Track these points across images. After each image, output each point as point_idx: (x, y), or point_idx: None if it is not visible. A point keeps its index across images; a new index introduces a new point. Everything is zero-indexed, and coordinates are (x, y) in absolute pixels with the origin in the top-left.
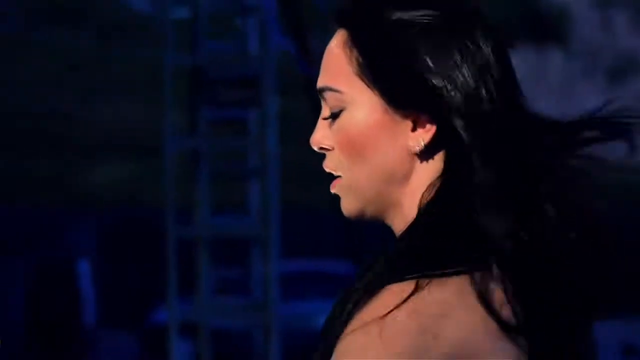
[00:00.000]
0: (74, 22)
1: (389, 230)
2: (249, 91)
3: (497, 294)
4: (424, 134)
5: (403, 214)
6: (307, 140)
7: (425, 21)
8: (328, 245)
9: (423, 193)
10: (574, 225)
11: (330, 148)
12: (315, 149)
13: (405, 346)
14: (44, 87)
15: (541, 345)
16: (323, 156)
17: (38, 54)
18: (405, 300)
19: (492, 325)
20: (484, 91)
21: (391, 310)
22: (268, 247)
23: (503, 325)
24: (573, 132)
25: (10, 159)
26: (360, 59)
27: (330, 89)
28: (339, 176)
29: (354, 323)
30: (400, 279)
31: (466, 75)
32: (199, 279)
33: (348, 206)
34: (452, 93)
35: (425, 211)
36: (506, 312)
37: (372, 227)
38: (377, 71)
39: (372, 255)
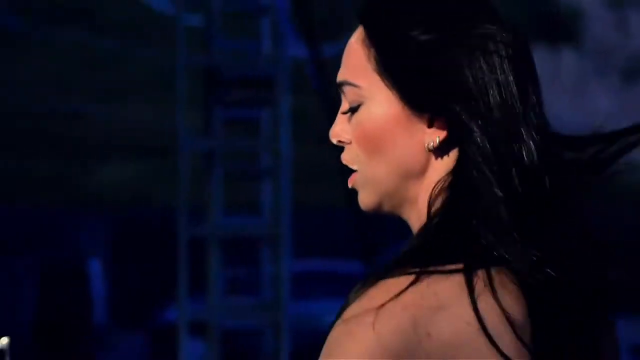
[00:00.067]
0: (85, 21)
1: (399, 230)
2: (262, 91)
3: (492, 294)
4: (440, 132)
5: (418, 210)
6: (320, 140)
7: (444, 23)
8: (339, 245)
9: (431, 192)
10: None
11: (348, 142)
12: (334, 142)
13: (396, 339)
14: (55, 87)
15: (542, 345)
16: (335, 155)
17: (49, 53)
18: (402, 292)
19: (492, 319)
20: (501, 96)
21: (387, 302)
22: (279, 246)
23: (485, 331)
24: (589, 147)
25: (21, 159)
26: (378, 57)
27: (350, 84)
28: (356, 170)
29: (348, 312)
30: (400, 273)
31: (484, 78)
32: (210, 279)
33: (365, 200)
34: (469, 95)
35: (434, 211)
36: (496, 315)
37: (382, 227)
38: (394, 70)
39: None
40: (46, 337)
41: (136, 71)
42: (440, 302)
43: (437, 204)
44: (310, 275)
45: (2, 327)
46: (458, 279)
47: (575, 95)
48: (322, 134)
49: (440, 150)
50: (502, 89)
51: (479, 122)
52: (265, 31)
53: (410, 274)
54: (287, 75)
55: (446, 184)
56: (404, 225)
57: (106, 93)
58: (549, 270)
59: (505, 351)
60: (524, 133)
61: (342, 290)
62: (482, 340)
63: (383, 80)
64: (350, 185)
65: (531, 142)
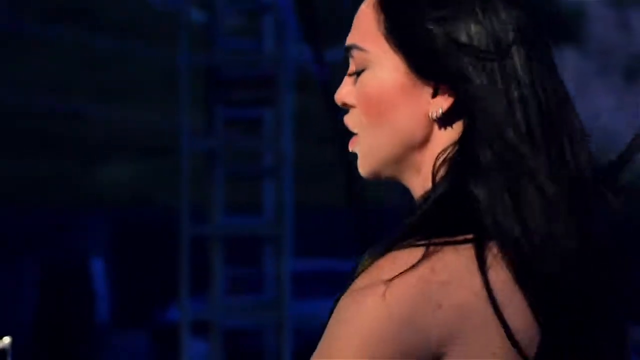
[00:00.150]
0: (86, 20)
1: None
2: (264, 91)
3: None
4: (444, 102)
5: (422, 179)
6: (322, 140)
7: (451, 3)
8: (341, 245)
9: (435, 162)
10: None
11: (353, 105)
12: (339, 104)
13: (406, 310)
14: (57, 87)
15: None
16: (337, 154)
17: (50, 53)
18: (413, 266)
19: (501, 290)
20: (510, 65)
21: (399, 274)
22: (281, 246)
23: (492, 301)
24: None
25: (23, 159)
26: (388, 22)
27: (357, 48)
28: (357, 134)
29: (357, 283)
30: (409, 244)
31: (493, 46)
32: (212, 278)
33: (364, 165)
34: (475, 65)
35: (438, 180)
36: (505, 286)
37: (384, 226)
38: (402, 36)
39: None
40: (48, 336)
41: (138, 71)
42: (451, 275)
43: (442, 173)
44: (312, 274)
45: (4, 327)
46: (468, 251)
47: (576, 95)
48: (323, 134)
49: (443, 121)
50: (512, 58)
51: (486, 91)
52: (268, 30)
53: (420, 245)
54: (289, 74)
55: (451, 154)
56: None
57: (108, 93)
58: (543, 249)
59: (512, 323)
60: (532, 103)
61: (344, 290)
62: (490, 311)
63: (390, 46)
64: (350, 149)
65: (540, 112)
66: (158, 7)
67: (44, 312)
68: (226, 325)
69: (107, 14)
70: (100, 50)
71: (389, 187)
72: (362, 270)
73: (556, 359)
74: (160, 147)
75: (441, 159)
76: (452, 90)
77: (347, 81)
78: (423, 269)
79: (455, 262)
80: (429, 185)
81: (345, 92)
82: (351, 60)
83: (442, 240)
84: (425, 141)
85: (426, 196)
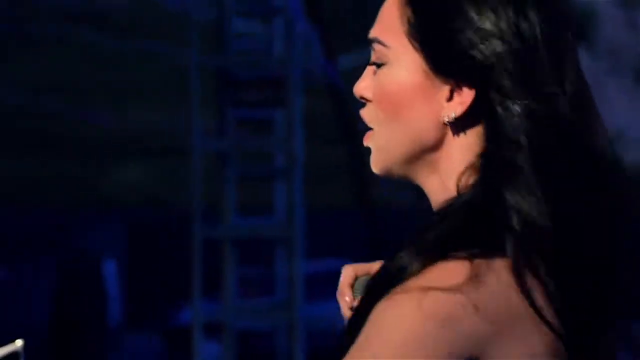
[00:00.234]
0: (99, 21)
1: (413, 230)
2: (275, 92)
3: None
4: (458, 106)
5: (439, 181)
6: (332, 141)
7: (483, 3)
8: (352, 246)
9: (464, 169)
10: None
11: (370, 99)
12: (357, 97)
13: (443, 317)
14: (69, 88)
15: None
16: (347, 156)
17: (61, 54)
18: (459, 282)
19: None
20: (531, 72)
21: (443, 287)
22: (292, 247)
23: (537, 312)
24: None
25: (36, 160)
26: (412, 19)
27: (379, 42)
28: (372, 129)
29: (399, 289)
30: (455, 257)
31: (519, 51)
32: (224, 280)
33: (377, 160)
34: (496, 69)
35: (467, 186)
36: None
37: (395, 227)
38: (425, 34)
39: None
40: (60, 338)
41: (149, 72)
42: (493, 289)
43: (467, 177)
44: (323, 275)
45: (17, 328)
46: (508, 266)
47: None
48: (334, 136)
49: (457, 126)
50: (540, 60)
51: (507, 98)
52: (278, 32)
53: (465, 258)
54: (299, 76)
55: (474, 157)
56: (416, 225)
57: (119, 94)
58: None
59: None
60: (557, 112)
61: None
62: (529, 315)
63: (412, 44)
64: (364, 144)
65: (564, 121)
66: (168, 7)
67: (56, 314)
68: (238, 327)
69: (119, 14)
70: (109, 50)
71: (399, 188)
72: (405, 275)
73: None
74: (172, 148)
75: (465, 163)
76: (468, 95)
77: (367, 73)
78: (467, 285)
79: (498, 278)
80: (450, 187)
81: (363, 86)
82: (372, 52)
83: (484, 254)
84: (439, 142)
85: (455, 201)
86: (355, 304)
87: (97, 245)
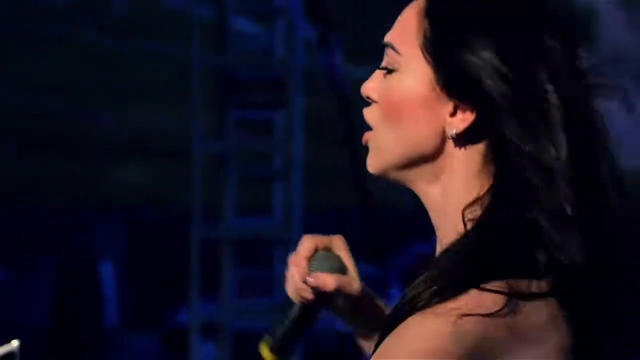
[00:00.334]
0: (96, 20)
1: (411, 232)
2: (276, 93)
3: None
4: (460, 123)
5: (442, 194)
6: (333, 142)
7: (498, 18)
8: (352, 248)
9: (470, 189)
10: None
11: (375, 101)
12: (363, 96)
13: (472, 344)
14: (69, 88)
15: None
16: (347, 158)
17: (62, 53)
18: (492, 314)
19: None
20: (541, 94)
21: (478, 314)
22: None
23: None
24: None
25: (36, 160)
26: (428, 33)
27: (393, 48)
28: (372, 129)
29: (430, 310)
30: (490, 288)
31: (523, 75)
32: (222, 280)
33: (372, 162)
34: (504, 90)
35: (484, 213)
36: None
37: (395, 229)
38: (438, 50)
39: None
40: (57, 339)
41: (149, 72)
42: (534, 335)
43: (476, 200)
44: None
45: (14, 329)
46: (551, 308)
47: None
48: (334, 137)
49: (457, 142)
50: (544, 87)
51: (513, 117)
52: (279, 33)
53: (500, 292)
54: (300, 77)
55: (483, 179)
56: (417, 227)
57: (119, 94)
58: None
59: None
60: (562, 135)
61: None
62: (552, 331)
63: (424, 56)
64: (363, 142)
65: (569, 144)
66: (168, 7)
67: (53, 315)
68: (236, 328)
69: (119, 14)
70: (109, 50)
71: (400, 189)
72: (437, 298)
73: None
74: (172, 149)
75: (468, 179)
76: (472, 113)
77: (376, 75)
78: (502, 310)
79: (534, 321)
80: (452, 202)
81: (370, 87)
82: (385, 56)
83: (521, 291)
84: (436, 154)
85: (477, 226)
86: (309, 278)
87: (96, 245)
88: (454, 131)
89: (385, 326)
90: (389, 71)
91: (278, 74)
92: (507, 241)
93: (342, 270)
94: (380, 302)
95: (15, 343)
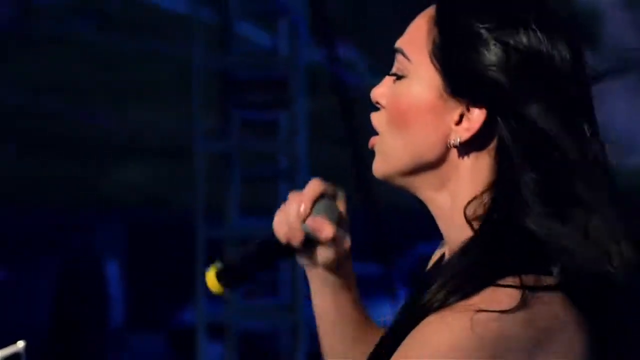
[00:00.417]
0: (97, 20)
1: (415, 232)
2: (279, 93)
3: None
4: (465, 131)
5: (450, 200)
6: (336, 142)
7: (506, 26)
8: (356, 247)
9: (475, 195)
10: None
11: (384, 106)
12: (373, 101)
13: (496, 343)
14: (71, 88)
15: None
16: (350, 157)
17: (64, 54)
18: (511, 311)
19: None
20: (547, 104)
21: (496, 311)
22: None
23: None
24: None
25: (36, 160)
26: (437, 41)
27: (403, 54)
28: (379, 134)
29: (449, 309)
30: (501, 282)
31: (540, 82)
32: None
33: (378, 167)
34: (510, 97)
35: (490, 216)
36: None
37: (399, 229)
38: (447, 58)
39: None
40: (63, 340)
41: (149, 72)
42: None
43: (480, 206)
44: None
45: (19, 329)
46: (561, 301)
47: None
48: (338, 136)
49: (464, 149)
50: (551, 93)
51: (518, 125)
52: (282, 32)
53: (514, 287)
54: (303, 76)
55: (488, 184)
56: (420, 227)
57: (122, 94)
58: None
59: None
60: (568, 139)
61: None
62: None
63: (433, 64)
64: (369, 146)
65: (574, 147)
66: (169, 7)
67: (59, 314)
68: (241, 328)
69: (122, 14)
70: (109, 50)
71: (403, 190)
72: (450, 293)
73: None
74: (175, 149)
75: (475, 186)
76: (477, 122)
77: (386, 81)
78: (518, 308)
79: (551, 314)
80: (460, 208)
81: (380, 93)
82: (396, 62)
83: (536, 285)
84: (441, 162)
85: (486, 228)
86: (310, 221)
87: (98, 245)
88: (458, 139)
89: (393, 327)
90: (399, 77)
91: (281, 74)
92: (515, 241)
93: (340, 224)
94: (353, 275)
95: (20, 344)
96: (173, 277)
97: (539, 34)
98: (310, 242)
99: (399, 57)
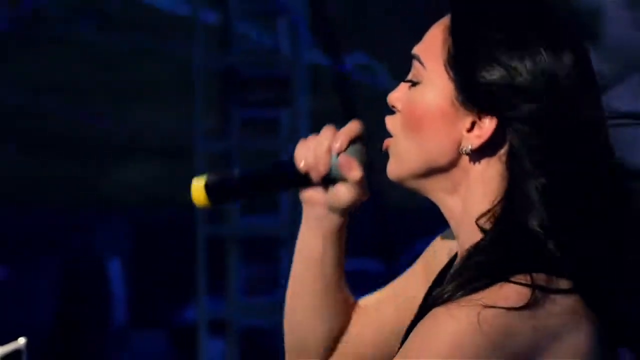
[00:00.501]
0: (101, 20)
1: (420, 229)
2: (280, 91)
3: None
4: (476, 139)
5: (462, 204)
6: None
7: (520, 38)
8: (358, 244)
9: (488, 200)
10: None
11: (398, 111)
12: (389, 105)
13: (499, 336)
14: (71, 88)
15: None
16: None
17: (63, 53)
18: (520, 308)
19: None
20: (558, 110)
21: (503, 307)
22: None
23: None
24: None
25: (40, 160)
26: (452, 50)
27: (419, 60)
28: (392, 137)
29: (456, 303)
30: (517, 282)
31: (549, 94)
32: (229, 278)
33: (392, 169)
34: (521, 106)
35: (504, 218)
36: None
37: (403, 226)
38: (460, 67)
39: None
40: (65, 338)
41: (152, 72)
42: (557, 329)
43: (493, 209)
44: None
45: (21, 327)
46: (572, 304)
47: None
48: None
49: (475, 156)
50: (562, 103)
51: (528, 133)
52: (283, 31)
53: (524, 281)
54: (305, 75)
55: (499, 190)
56: (424, 225)
57: (122, 94)
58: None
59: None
60: (582, 150)
61: (361, 289)
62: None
63: (447, 72)
64: (384, 148)
65: (583, 157)
66: (170, 6)
67: (60, 314)
68: (243, 325)
69: (123, 13)
70: (109, 50)
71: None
72: (461, 292)
73: None
74: (176, 148)
75: (486, 191)
76: (488, 130)
77: (402, 85)
78: (527, 305)
79: (561, 314)
80: (472, 213)
81: (395, 97)
82: (412, 68)
83: (547, 285)
84: (452, 167)
85: (501, 229)
86: (342, 158)
87: (99, 245)
88: (469, 147)
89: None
90: (414, 84)
91: (282, 73)
92: (526, 243)
93: (365, 171)
94: (346, 232)
95: (21, 341)
96: (174, 276)
97: (549, 46)
98: (329, 179)
99: (415, 64)
